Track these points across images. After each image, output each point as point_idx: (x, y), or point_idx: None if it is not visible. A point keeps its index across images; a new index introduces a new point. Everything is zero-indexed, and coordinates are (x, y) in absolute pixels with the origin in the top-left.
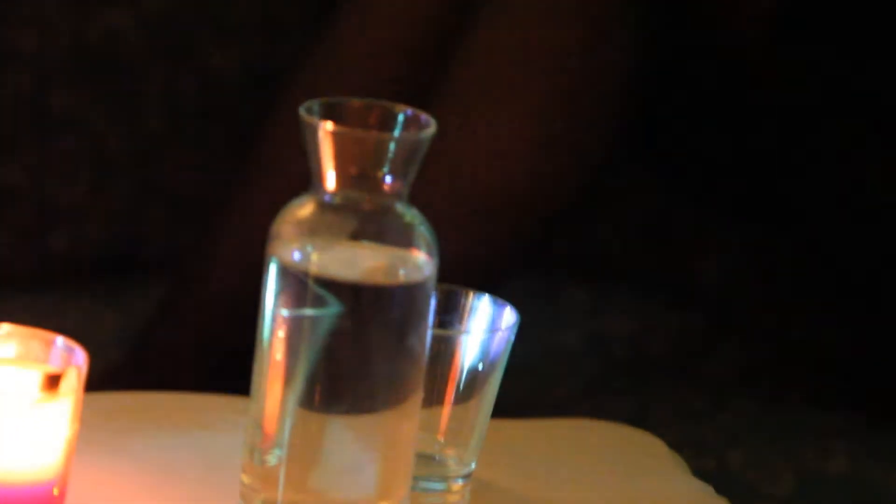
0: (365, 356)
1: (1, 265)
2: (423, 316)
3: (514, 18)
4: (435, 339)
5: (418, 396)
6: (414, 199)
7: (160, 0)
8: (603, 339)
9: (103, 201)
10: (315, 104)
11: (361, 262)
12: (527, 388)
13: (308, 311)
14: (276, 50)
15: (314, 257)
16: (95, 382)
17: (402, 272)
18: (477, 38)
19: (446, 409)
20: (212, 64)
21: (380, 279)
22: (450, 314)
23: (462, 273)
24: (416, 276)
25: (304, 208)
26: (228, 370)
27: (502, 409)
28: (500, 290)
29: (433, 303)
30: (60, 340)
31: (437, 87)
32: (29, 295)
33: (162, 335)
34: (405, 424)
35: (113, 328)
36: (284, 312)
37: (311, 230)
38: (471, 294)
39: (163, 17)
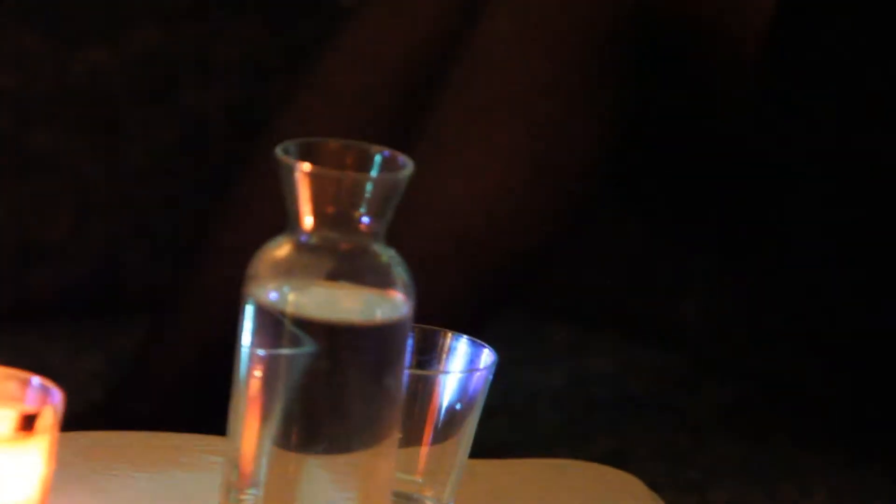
0: (341, 396)
1: None
2: (400, 356)
3: (494, 58)
4: (413, 378)
5: (395, 436)
6: (393, 239)
7: (142, 39)
8: (585, 378)
9: (84, 239)
10: (292, 145)
11: (338, 302)
12: (507, 427)
13: (284, 351)
14: (258, 90)
15: (291, 297)
16: (74, 422)
17: (378, 312)
18: (458, 78)
19: (424, 449)
20: (193, 103)
21: (356, 319)
22: (428, 354)
23: (441, 315)
24: (392, 317)
25: (280, 249)
26: (207, 409)
27: (482, 449)
28: (482, 331)
29: (410, 343)
30: (36, 380)
31: (417, 126)
32: (9, 333)
33: (141, 374)
34: (382, 464)
35: (93, 367)
36: (261, 352)
37: (288, 270)
38: (449, 334)
39: (145, 55)
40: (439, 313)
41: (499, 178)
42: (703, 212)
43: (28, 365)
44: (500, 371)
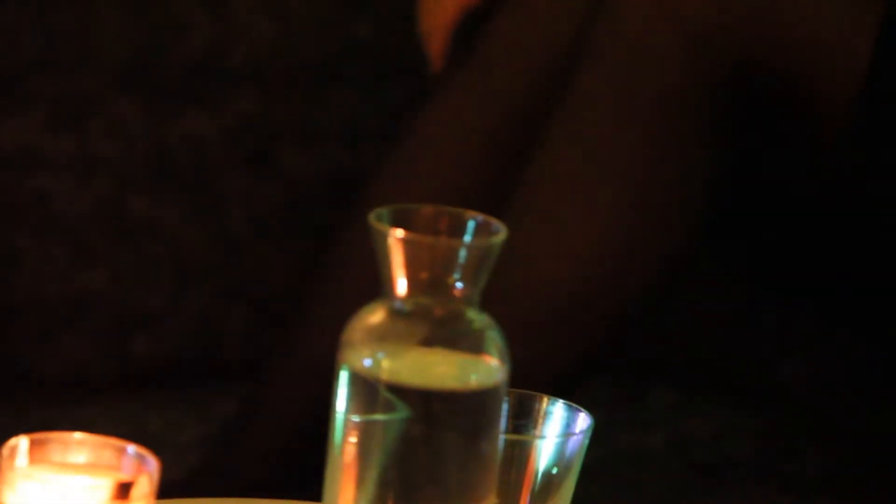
0: (436, 462)
1: (82, 370)
2: (495, 421)
3: (588, 121)
4: (508, 443)
5: (491, 501)
6: (489, 304)
7: (239, 106)
8: (685, 441)
9: (184, 306)
10: (384, 211)
11: (432, 368)
12: (609, 491)
13: (379, 417)
14: (357, 156)
15: (385, 364)
16: (173, 489)
17: (473, 378)
18: (551, 142)
19: None
20: (290, 169)
21: (451, 385)
22: (524, 419)
23: (536, 378)
24: (487, 382)
25: (374, 315)
26: (304, 476)
27: None
28: (578, 394)
29: (506, 408)
30: (132, 448)
31: (511, 191)
32: (109, 400)
33: (238, 441)
34: None
35: (193, 434)
36: (355, 418)
37: (382, 337)
38: (545, 399)
39: (243, 122)
40: (537, 378)
41: (595, 241)
42: (804, 272)
43: (127, 432)
44: (600, 434)
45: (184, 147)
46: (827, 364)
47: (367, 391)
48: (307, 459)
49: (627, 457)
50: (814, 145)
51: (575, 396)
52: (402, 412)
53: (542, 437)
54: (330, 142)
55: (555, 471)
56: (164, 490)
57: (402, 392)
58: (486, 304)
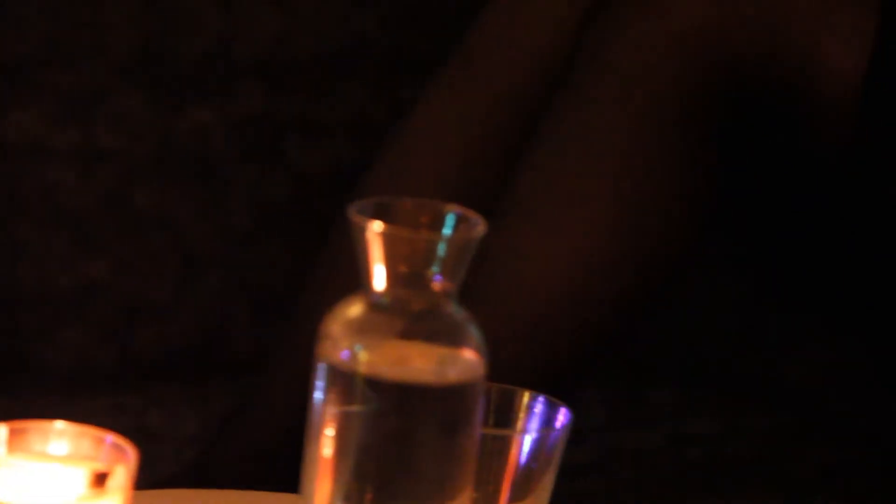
0: (413, 455)
1: (84, 361)
2: (473, 415)
3: (582, 124)
4: (488, 438)
5: (468, 495)
6: (479, 303)
7: (246, 99)
8: (685, 440)
9: (188, 299)
10: (365, 204)
11: (410, 361)
12: (604, 488)
13: (356, 410)
14: (363, 149)
15: (362, 356)
16: (172, 482)
17: (451, 372)
18: (546, 143)
19: None
20: (298, 163)
21: (429, 379)
22: (505, 413)
23: (528, 379)
24: (465, 376)
25: (353, 308)
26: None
27: None
28: (572, 394)
29: (486, 402)
30: (110, 438)
31: (503, 191)
32: (111, 392)
33: (231, 435)
34: None
35: (194, 428)
36: (333, 411)
37: (360, 330)
38: (526, 394)
39: (249, 115)
40: (526, 377)
41: (588, 244)
42: (807, 272)
43: (128, 424)
44: (600, 433)
45: (190, 140)
46: (828, 365)
47: (345, 384)
48: (299, 454)
49: (627, 456)
50: (813, 149)
51: (575, 396)
52: (378, 405)
53: (522, 431)
54: (336, 136)
55: (535, 466)
56: (162, 483)
57: (379, 385)
58: (479, 304)
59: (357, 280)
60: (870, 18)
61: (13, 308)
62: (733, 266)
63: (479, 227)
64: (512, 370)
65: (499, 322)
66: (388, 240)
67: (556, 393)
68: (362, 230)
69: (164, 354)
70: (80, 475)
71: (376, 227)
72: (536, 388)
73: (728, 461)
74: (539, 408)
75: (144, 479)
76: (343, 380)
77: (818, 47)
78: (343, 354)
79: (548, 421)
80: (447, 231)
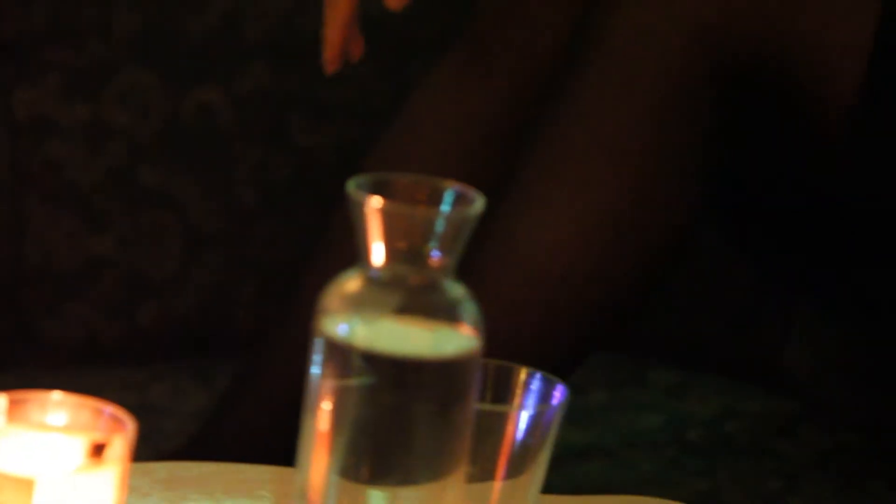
0: (408, 430)
1: (89, 337)
2: (469, 391)
3: (584, 111)
4: (484, 414)
5: (462, 470)
6: (478, 282)
7: (253, 78)
8: (683, 421)
9: (193, 277)
10: (363, 180)
11: (407, 336)
12: (602, 469)
13: (352, 384)
14: (369, 130)
15: (360, 331)
16: (172, 456)
17: (447, 347)
18: (548, 128)
19: (497, 485)
20: (304, 142)
21: (425, 354)
22: (502, 390)
23: (526, 358)
24: (461, 351)
25: (350, 283)
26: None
27: (576, 490)
28: (569, 375)
29: (484, 378)
30: (108, 410)
31: (506, 171)
32: (116, 368)
33: (231, 410)
34: (449, 498)
35: (198, 403)
36: (329, 385)
37: (358, 305)
38: (523, 370)
39: (255, 95)
40: (524, 356)
41: (587, 227)
42: (807, 256)
43: (132, 399)
44: (599, 414)
45: (196, 118)
46: (828, 349)
47: (342, 358)
48: (297, 430)
49: (624, 436)
50: (815, 137)
51: (574, 376)
52: (375, 380)
53: (517, 408)
54: (342, 116)
55: (531, 442)
56: (164, 458)
57: (375, 360)
58: (476, 284)
59: (354, 259)
60: (870, 17)
61: (19, 283)
62: (733, 249)
63: (478, 203)
64: (510, 349)
65: (498, 301)
66: (387, 215)
67: (555, 372)
68: (360, 206)
69: (168, 330)
70: (78, 445)
71: (374, 202)
72: (538, 363)
73: (724, 443)
74: (536, 384)
75: (147, 454)
76: (340, 354)
77: (821, 43)
78: (340, 329)
79: (544, 398)
80: (445, 207)
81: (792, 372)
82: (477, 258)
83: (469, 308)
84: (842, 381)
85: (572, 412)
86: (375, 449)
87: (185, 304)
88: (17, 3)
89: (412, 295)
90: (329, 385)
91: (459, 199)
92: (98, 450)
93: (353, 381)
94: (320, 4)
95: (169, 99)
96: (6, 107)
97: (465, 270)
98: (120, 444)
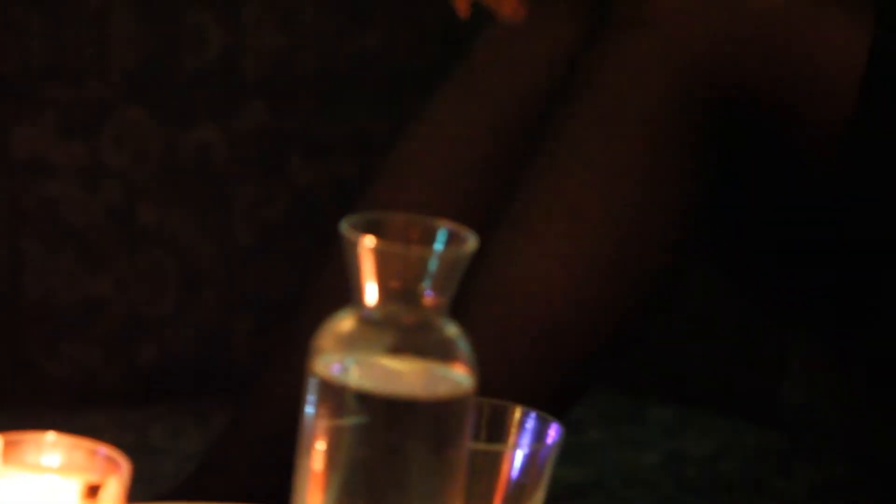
0: (403, 469)
1: (87, 377)
2: (463, 430)
3: (575, 143)
4: (479, 453)
5: None
6: (474, 321)
7: (251, 116)
8: (681, 458)
9: (190, 315)
10: (356, 219)
11: (401, 376)
12: None
13: (346, 424)
14: (365, 167)
15: (353, 371)
16: (167, 497)
17: (441, 387)
18: (541, 162)
19: None
20: (300, 180)
21: (419, 394)
22: (497, 429)
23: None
24: (455, 391)
25: (344, 323)
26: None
27: None
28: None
29: (478, 417)
30: (103, 450)
31: (501, 205)
32: (114, 408)
33: (224, 452)
34: None
35: (196, 444)
36: (323, 425)
37: (351, 344)
38: (518, 409)
39: (252, 133)
40: (518, 394)
41: (581, 264)
42: (804, 291)
43: (129, 441)
44: (595, 451)
45: (193, 157)
46: (824, 384)
47: (336, 398)
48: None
49: (621, 473)
50: (809, 166)
51: (571, 414)
52: (369, 420)
53: (512, 447)
54: (338, 153)
55: (526, 481)
56: (161, 499)
57: (369, 400)
58: (471, 323)
59: (347, 298)
60: (865, 33)
61: (17, 323)
62: (729, 286)
63: (471, 242)
64: (504, 388)
65: (491, 340)
66: (380, 255)
67: (550, 410)
68: (354, 245)
69: (166, 370)
70: (73, 487)
71: (368, 242)
72: (533, 401)
73: (721, 481)
74: (530, 423)
75: (145, 495)
76: (334, 394)
77: (813, 72)
78: (334, 369)
79: (539, 436)
80: (438, 246)
81: (788, 407)
82: (469, 296)
83: (463, 347)
84: (838, 416)
85: (568, 450)
86: (370, 489)
87: (183, 342)
88: (15, 40)
89: (406, 334)
90: (323, 425)
91: (453, 239)
92: (93, 491)
93: (347, 421)
94: (317, 44)
95: (166, 138)
96: (3, 145)
97: (458, 309)
98: (115, 486)
